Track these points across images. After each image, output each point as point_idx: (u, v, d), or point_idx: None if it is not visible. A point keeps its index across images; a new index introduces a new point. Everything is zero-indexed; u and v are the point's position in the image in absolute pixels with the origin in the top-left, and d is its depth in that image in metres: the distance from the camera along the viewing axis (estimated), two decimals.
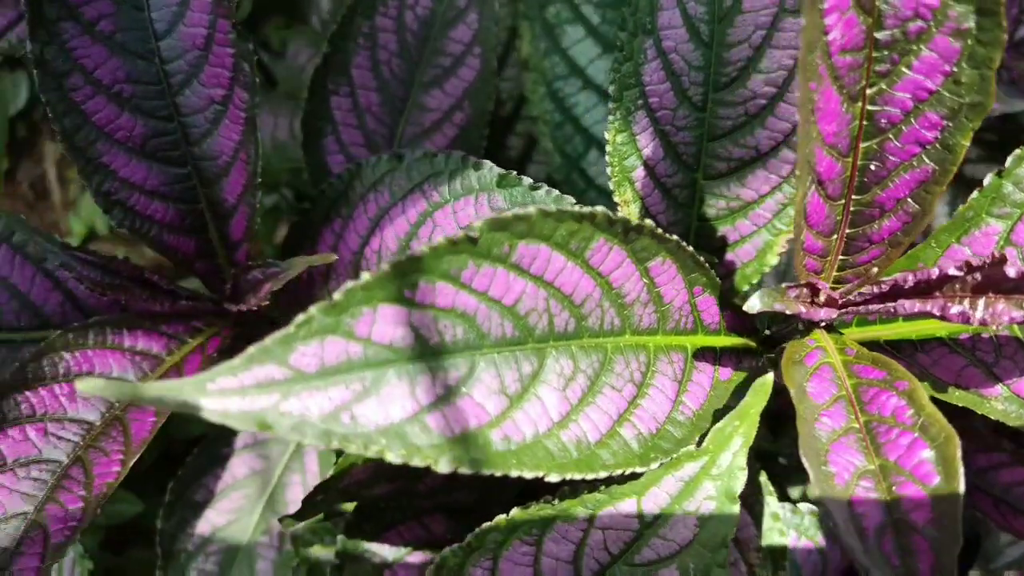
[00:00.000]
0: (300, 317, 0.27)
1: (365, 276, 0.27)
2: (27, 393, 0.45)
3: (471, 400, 0.29)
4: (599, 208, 0.32)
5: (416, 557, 0.54)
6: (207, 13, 0.44)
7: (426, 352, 0.29)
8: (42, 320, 0.52)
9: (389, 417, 0.28)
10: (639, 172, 0.43)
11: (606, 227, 0.32)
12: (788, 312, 0.36)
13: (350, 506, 0.54)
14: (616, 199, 0.44)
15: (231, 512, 0.62)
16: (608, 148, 0.43)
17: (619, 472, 0.33)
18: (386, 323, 0.28)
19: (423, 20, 0.58)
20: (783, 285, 0.37)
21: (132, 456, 0.45)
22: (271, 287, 0.48)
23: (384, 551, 0.54)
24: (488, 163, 0.44)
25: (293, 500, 0.62)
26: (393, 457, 0.27)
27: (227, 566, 0.61)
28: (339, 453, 0.81)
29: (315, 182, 0.59)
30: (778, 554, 0.44)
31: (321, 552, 0.58)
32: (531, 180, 0.43)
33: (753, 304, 0.35)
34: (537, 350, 0.32)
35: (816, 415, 0.33)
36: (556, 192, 0.42)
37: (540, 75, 0.69)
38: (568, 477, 0.30)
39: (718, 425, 0.37)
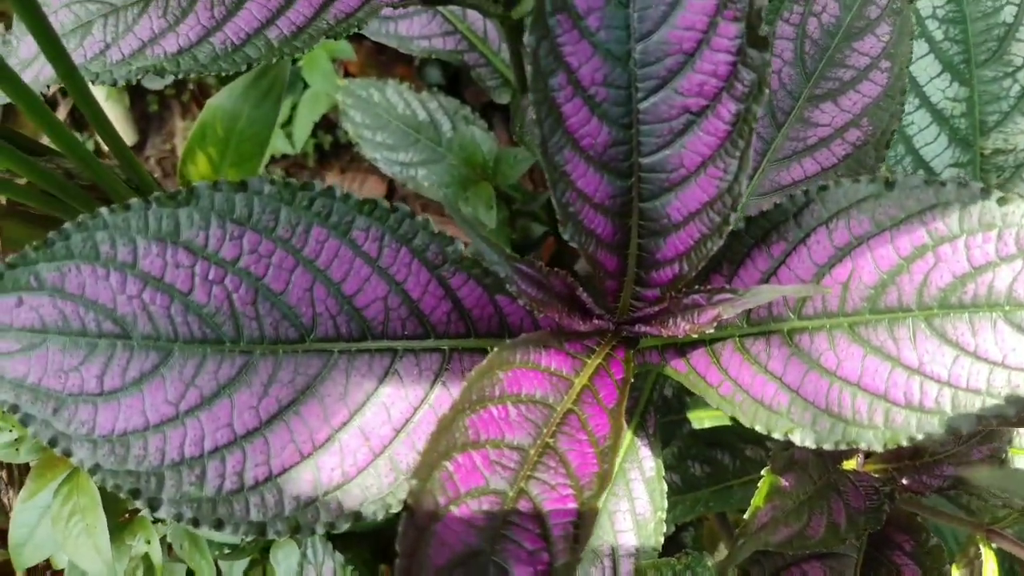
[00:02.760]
0: None
1: None
2: (472, 416, 0.42)
3: None
4: None
5: None
6: (707, 15, 0.40)
7: None
8: (425, 330, 0.49)
9: None
10: None
11: None
12: None
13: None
14: None
15: None
16: None
17: None
18: None
19: (827, 29, 0.53)
20: None
21: (584, 493, 0.41)
22: (719, 314, 0.44)
23: None
24: (1016, 197, 0.40)
25: (622, 529, 0.58)
26: None
27: None
28: (679, 478, 0.77)
29: None
30: None
31: None
32: None
33: None
34: None
35: None
36: None
37: None
38: None
39: None
